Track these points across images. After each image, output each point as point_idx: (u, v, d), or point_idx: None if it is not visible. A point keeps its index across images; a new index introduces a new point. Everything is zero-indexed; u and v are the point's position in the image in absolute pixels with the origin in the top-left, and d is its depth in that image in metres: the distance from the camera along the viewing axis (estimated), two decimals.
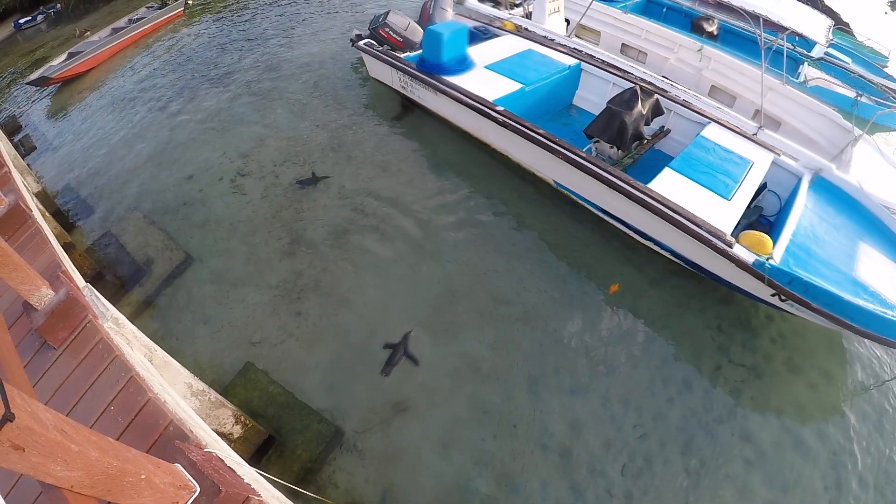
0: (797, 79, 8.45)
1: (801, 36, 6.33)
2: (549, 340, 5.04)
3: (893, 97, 8.02)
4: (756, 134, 6.03)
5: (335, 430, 4.43)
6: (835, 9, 14.36)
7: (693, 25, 9.98)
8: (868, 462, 4.31)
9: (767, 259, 4.40)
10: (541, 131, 5.85)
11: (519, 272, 5.66)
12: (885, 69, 10.08)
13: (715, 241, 4.62)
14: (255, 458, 4.20)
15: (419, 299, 5.42)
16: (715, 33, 9.98)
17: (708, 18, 10.10)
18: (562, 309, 5.32)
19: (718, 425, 4.48)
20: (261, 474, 2.88)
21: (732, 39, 9.76)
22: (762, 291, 4.66)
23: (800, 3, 6.73)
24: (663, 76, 7.31)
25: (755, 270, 4.44)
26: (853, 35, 12.62)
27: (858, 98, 7.85)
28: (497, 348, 4.98)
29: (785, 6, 6.28)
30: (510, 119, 6.07)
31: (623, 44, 9.47)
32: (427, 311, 5.32)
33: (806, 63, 8.98)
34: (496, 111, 6.20)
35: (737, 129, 6.06)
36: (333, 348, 5.05)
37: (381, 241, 6.06)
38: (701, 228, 4.68)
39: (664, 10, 10.73)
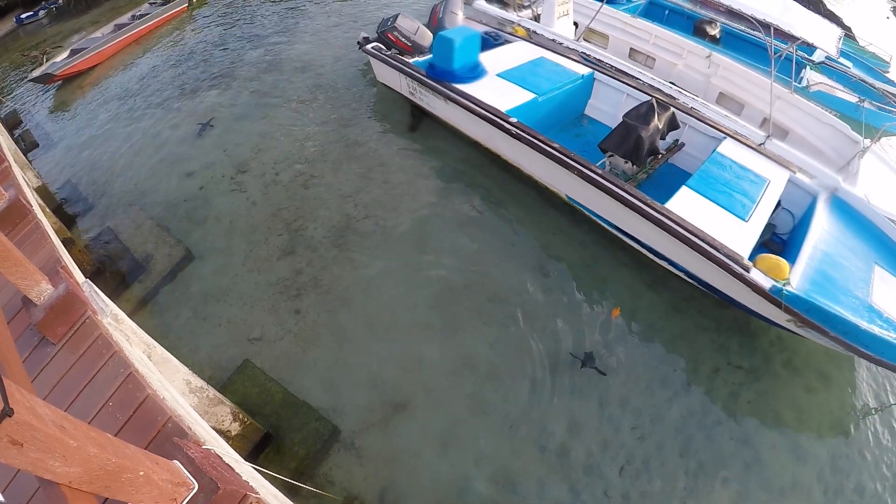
0: (800, 83, 8.44)
1: (811, 46, 6.25)
2: (547, 341, 5.04)
3: (895, 101, 8.02)
4: (764, 144, 5.96)
5: (333, 428, 4.43)
6: (837, 13, 14.36)
7: (696, 28, 9.96)
8: (865, 465, 4.32)
9: (784, 285, 4.28)
10: (555, 145, 5.67)
11: (518, 274, 5.66)
12: (886, 74, 10.07)
13: (732, 265, 4.49)
14: (253, 455, 4.20)
15: (419, 298, 5.43)
16: (717, 37, 9.97)
17: (710, 22, 10.08)
18: (560, 311, 5.31)
19: (716, 427, 4.48)
20: (258, 471, 2.88)
21: (735, 43, 9.74)
22: (778, 316, 4.55)
23: (809, 12, 6.66)
24: (671, 82, 7.26)
25: (772, 297, 4.31)
26: (855, 40, 12.62)
27: (861, 103, 7.85)
28: (496, 347, 4.98)
29: (795, 15, 6.21)
30: (524, 131, 5.90)
31: (631, 48, 9.39)
32: (426, 310, 5.32)
33: (808, 67, 8.97)
34: (510, 123, 6.02)
35: (752, 146, 5.94)
36: (332, 346, 5.05)
37: (381, 241, 6.06)
38: (719, 252, 4.54)
39: (666, 12, 10.71)
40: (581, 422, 4.48)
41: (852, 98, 8.09)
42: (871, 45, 11.87)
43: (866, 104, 7.79)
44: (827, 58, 9.00)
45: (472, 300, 5.39)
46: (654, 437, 4.41)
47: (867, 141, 6.34)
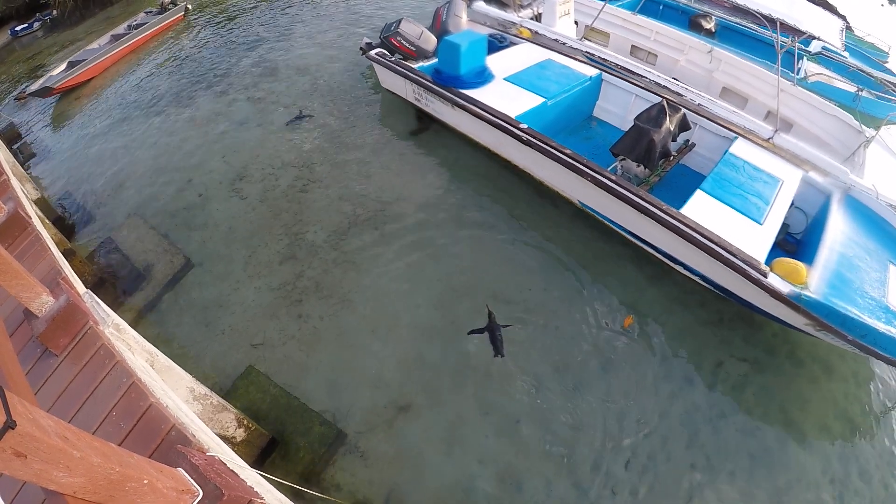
0: (797, 74, 8.41)
1: (818, 40, 6.19)
2: (550, 339, 5.04)
3: (893, 90, 7.99)
4: (772, 138, 5.90)
5: (337, 431, 4.43)
6: (831, 2, 14.32)
7: (691, 23, 9.95)
8: (871, 455, 4.31)
9: (803, 289, 4.22)
10: (568, 151, 5.56)
11: (520, 272, 5.66)
12: (885, 64, 10.03)
13: (749, 270, 4.41)
14: (259, 460, 4.21)
15: (420, 299, 5.43)
16: (713, 30, 9.96)
17: (705, 15, 10.06)
18: (562, 307, 5.31)
19: (721, 420, 4.48)
20: (264, 477, 2.88)
21: (731, 36, 9.73)
22: (796, 320, 4.49)
23: (810, 4, 6.62)
24: (674, 78, 7.23)
25: (791, 301, 4.24)
26: (851, 30, 12.57)
27: (859, 93, 7.82)
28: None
29: (799, 8, 6.16)
30: (535, 137, 5.79)
31: (633, 45, 9.35)
32: (428, 310, 5.32)
33: (805, 58, 8.95)
34: (520, 128, 5.92)
35: (764, 145, 5.86)
36: (335, 349, 5.06)
37: (381, 243, 6.06)
38: (736, 257, 4.48)
39: (661, 7, 10.69)
40: (585, 418, 4.47)
41: (850, 88, 8.07)
42: (870, 35, 11.83)
43: (864, 93, 7.77)
44: (824, 48, 8.99)
45: (474, 300, 5.38)
46: (660, 431, 4.40)
47: (871, 131, 6.29)
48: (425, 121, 7.90)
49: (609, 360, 4.89)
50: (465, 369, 4.82)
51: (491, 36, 8.16)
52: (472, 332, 5.00)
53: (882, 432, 4.48)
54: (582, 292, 5.46)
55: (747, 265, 4.44)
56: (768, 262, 4.51)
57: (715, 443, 4.33)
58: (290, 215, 6.55)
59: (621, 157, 5.96)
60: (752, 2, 6.18)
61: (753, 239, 4.73)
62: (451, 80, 6.79)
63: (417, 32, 7.87)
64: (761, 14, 6.09)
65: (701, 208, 4.97)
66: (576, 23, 9.08)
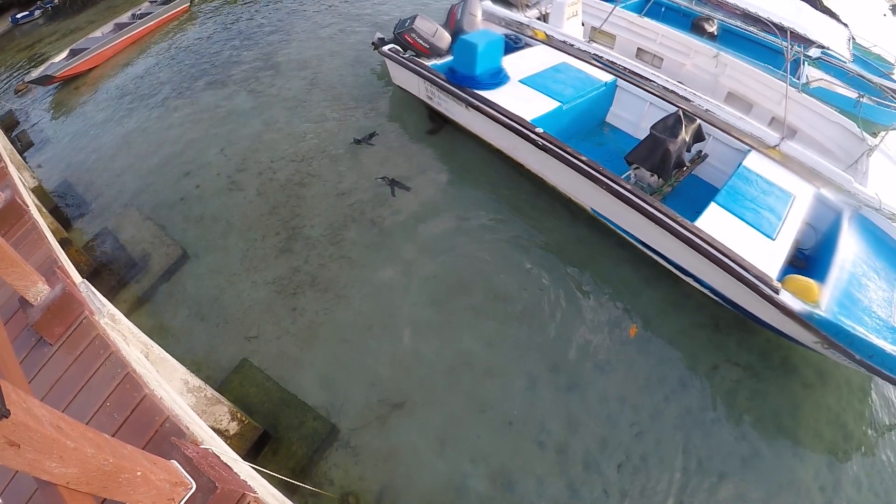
0: (800, 80, 8.41)
1: (827, 49, 6.18)
2: (545, 338, 5.05)
3: (893, 97, 8.01)
4: (779, 145, 5.90)
5: (331, 426, 4.44)
6: (833, 10, 14.30)
7: (693, 25, 9.94)
8: (862, 461, 4.34)
9: (815, 308, 4.20)
10: (583, 158, 5.49)
11: (516, 272, 5.67)
12: (892, 75, 10.02)
13: (762, 286, 4.38)
14: (252, 454, 4.20)
15: (416, 296, 5.43)
16: (715, 34, 9.96)
17: (708, 19, 10.06)
18: (558, 307, 5.32)
19: (714, 424, 4.49)
20: (257, 470, 2.88)
21: (732, 39, 9.73)
22: (804, 337, 4.49)
23: (817, 11, 6.60)
24: (679, 82, 7.21)
25: (803, 320, 4.22)
26: (854, 38, 12.55)
27: (860, 99, 7.83)
28: (494, 345, 4.99)
29: (807, 16, 6.16)
30: (551, 143, 5.72)
31: (638, 48, 9.33)
32: (424, 308, 5.33)
33: (806, 63, 8.95)
34: (536, 133, 5.84)
35: (773, 156, 5.84)
36: (330, 344, 5.06)
37: (379, 240, 6.06)
38: (749, 273, 4.45)
39: (663, 9, 10.67)
40: (579, 419, 4.49)
41: (851, 94, 8.08)
42: (876, 45, 11.82)
43: (865, 99, 7.78)
44: (823, 52, 8.98)
45: (470, 298, 5.39)
46: (653, 433, 4.42)
47: (874, 139, 6.27)
48: (438, 121, 7.81)
49: (604, 361, 4.90)
50: (460, 367, 4.82)
51: (506, 36, 8.03)
52: (380, 178, 6.69)
53: (874, 440, 4.51)
54: (579, 293, 5.47)
55: (760, 281, 4.41)
56: (780, 278, 4.49)
57: (707, 446, 4.35)
58: (288, 209, 6.54)
59: (635, 165, 5.91)
60: (762, 10, 6.18)
61: (766, 254, 4.71)
62: (466, 79, 6.69)
63: (432, 30, 7.75)
64: (772, 22, 6.07)
65: (715, 221, 4.95)
66: (582, 24, 9.04)
